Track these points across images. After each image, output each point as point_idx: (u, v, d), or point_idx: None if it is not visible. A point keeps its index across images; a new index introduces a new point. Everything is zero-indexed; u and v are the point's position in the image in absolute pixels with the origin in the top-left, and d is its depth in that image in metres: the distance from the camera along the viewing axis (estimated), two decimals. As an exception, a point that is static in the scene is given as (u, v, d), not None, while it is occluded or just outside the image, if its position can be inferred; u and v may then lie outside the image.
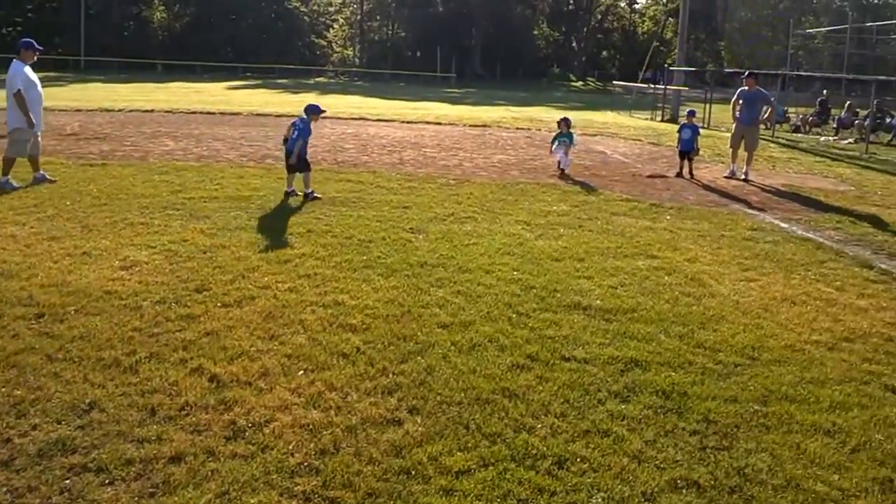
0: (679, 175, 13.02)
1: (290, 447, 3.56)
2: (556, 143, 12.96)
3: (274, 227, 7.85)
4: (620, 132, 21.16)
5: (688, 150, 13.16)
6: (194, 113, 21.53)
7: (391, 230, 7.79)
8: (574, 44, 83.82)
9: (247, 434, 3.69)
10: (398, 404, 4.00)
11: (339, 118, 21.02)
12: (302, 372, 4.37)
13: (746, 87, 13.55)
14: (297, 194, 9.47)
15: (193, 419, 3.82)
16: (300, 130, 9.51)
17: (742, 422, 4.05)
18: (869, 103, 21.71)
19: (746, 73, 14.23)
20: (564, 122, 13.18)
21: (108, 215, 8.14)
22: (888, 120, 22.50)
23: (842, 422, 4.11)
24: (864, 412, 4.25)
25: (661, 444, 3.76)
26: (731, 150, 13.76)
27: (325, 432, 3.70)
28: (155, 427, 3.73)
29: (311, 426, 3.75)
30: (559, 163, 12.77)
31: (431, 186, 10.58)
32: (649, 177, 12.92)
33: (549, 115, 25.71)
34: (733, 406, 4.22)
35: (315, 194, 9.38)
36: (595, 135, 20.17)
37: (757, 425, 4.03)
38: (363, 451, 3.54)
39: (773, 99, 14.31)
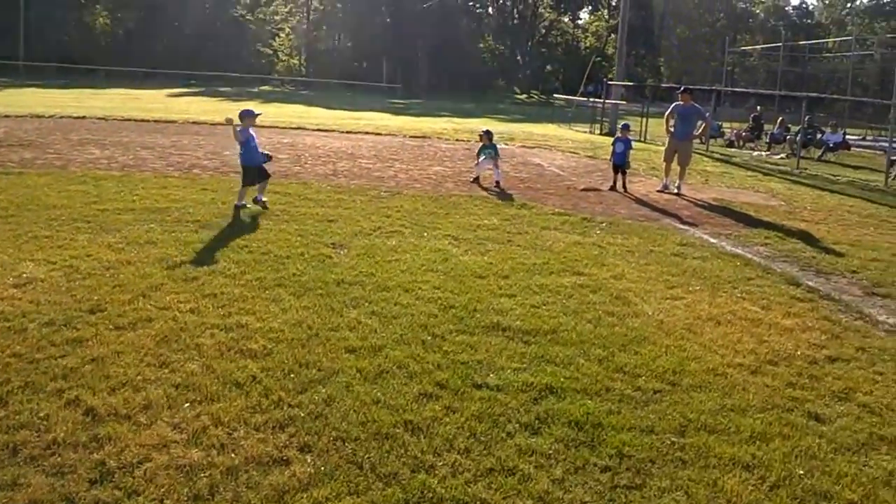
0: (612, 189, 12.96)
1: (161, 492, 3.21)
2: (482, 156, 12.84)
3: (187, 241, 7.41)
4: (559, 145, 21.16)
5: (621, 164, 13.13)
6: (128, 120, 20.80)
7: (311, 245, 7.43)
8: (519, 57, 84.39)
9: (115, 477, 3.32)
10: (289, 441, 3.68)
11: (276, 127, 20.55)
12: (188, 404, 4.00)
13: (681, 102, 13.57)
14: (247, 207, 9.16)
15: (59, 459, 3.44)
16: (249, 138, 9.23)
17: (658, 456, 3.83)
18: (800, 119, 22.17)
19: (682, 88, 14.33)
20: (486, 135, 13.05)
21: (12, 228, 7.63)
22: (818, 136, 23.01)
23: (762, 454, 3.93)
24: (786, 443, 4.07)
25: (570, 483, 3.51)
26: (664, 163, 13.77)
27: (202, 474, 3.35)
28: (12, 470, 3.33)
29: (188, 467, 3.40)
30: (478, 177, 12.74)
31: (361, 199, 10.26)
32: (583, 190, 12.83)
33: (490, 127, 25.61)
34: (649, 438, 4.00)
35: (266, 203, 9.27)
36: (534, 147, 20.14)
37: (673, 460, 3.82)
38: (241, 497, 3.21)
39: (707, 114, 14.38)
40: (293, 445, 3.64)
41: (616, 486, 3.53)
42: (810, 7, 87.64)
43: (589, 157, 18.64)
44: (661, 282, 7.15)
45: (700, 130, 14.00)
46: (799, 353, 5.50)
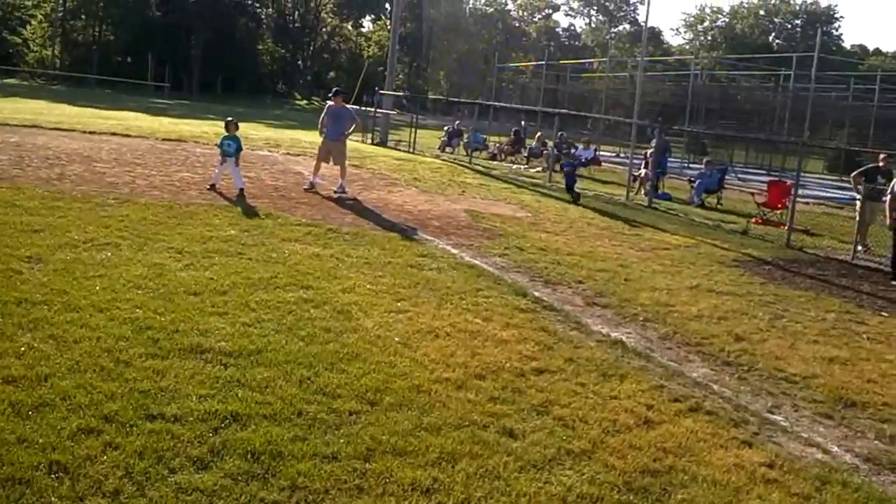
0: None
1: None
2: (222, 150, 12.28)
3: None
4: (326, 153, 20.83)
5: None
6: None
7: (-1, 260, 6.52)
8: (300, 62, 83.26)
9: None
10: None
11: (6, 125, 18.33)
12: None
13: (334, 104, 14.17)
14: None
15: None
16: None
17: (334, 485, 3.63)
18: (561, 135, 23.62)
19: (334, 90, 15.05)
20: (231, 125, 12.62)
21: None
22: (572, 151, 24.64)
23: (444, 477, 3.85)
24: (473, 463, 4.03)
25: (227, 525, 3.21)
26: (316, 161, 14.25)
27: None
28: None
29: None
30: (214, 185, 12.13)
31: (81, 207, 9.25)
32: (337, 200, 12.67)
33: (257, 133, 24.79)
34: (331, 465, 3.80)
35: None
36: (298, 155, 19.66)
37: (351, 489, 3.64)
38: None
39: (356, 117, 15.24)
40: None
41: (279, 523, 3.28)
42: (578, 30, 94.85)
43: (354, 166, 18.48)
44: (391, 294, 7.08)
45: (350, 131, 14.64)
46: (509, 365, 5.59)
